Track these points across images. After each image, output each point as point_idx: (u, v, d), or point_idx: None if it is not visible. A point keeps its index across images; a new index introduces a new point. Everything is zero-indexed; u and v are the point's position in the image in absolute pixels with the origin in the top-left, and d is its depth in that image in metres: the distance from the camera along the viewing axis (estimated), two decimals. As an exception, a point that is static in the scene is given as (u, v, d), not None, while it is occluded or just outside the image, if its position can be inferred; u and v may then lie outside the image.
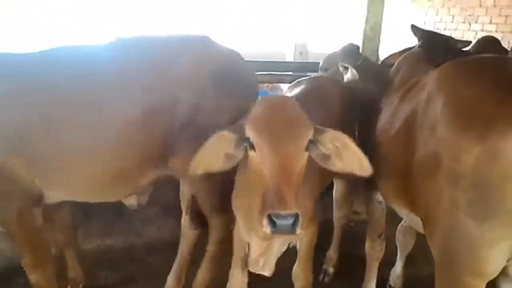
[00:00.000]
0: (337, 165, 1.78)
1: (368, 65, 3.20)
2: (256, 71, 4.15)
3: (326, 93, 2.64)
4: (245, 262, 2.30)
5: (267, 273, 2.20)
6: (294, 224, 1.57)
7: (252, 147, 1.71)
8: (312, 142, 1.74)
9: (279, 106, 1.76)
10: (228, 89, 2.27)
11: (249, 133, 1.71)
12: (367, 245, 2.84)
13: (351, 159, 1.76)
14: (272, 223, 1.57)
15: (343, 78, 3.13)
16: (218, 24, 10.42)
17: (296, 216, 1.57)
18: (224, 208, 2.32)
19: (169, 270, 2.84)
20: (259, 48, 9.56)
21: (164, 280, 2.81)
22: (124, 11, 8.97)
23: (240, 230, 2.19)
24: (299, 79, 2.92)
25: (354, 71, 3.02)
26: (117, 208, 3.27)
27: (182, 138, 2.22)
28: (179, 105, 2.20)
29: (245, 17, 10.91)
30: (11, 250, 3.10)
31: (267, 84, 6.82)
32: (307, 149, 1.72)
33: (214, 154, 1.78)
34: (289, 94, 2.65)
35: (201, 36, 2.44)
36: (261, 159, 1.68)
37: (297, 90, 2.63)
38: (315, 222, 2.22)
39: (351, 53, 3.36)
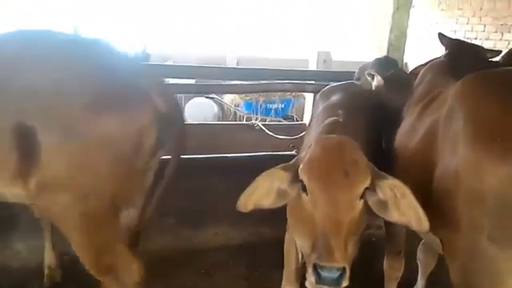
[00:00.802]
0: (393, 215, 1.71)
1: (398, 76, 3.11)
2: (280, 79, 4.16)
3: (359, 101, 2.60)
4: (298, 275, 2.25)
5: None
6: (340, 277, 1.52)
7: (305, 190, 1.67)
8: (369, 189, 1.68)
9: (337, 149, 1.69)
10: None
11: (303, 176, 1.67)
12: (386, 262, 2.73)
13: (408, 210, 1.68)
14: (318, 274, 1.53)
15: (371, 87, 3.07)
16: (243, 31, 10.47)
17: (343, 270, 1.52)
18: None
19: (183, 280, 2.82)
20: (282, 55, 9.54)
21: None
22: (124, 11, 9.04)
23: (293, 242, 2.16)
24: (330, 86, 2.91)
25: (380, 78, 2.97)
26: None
27: None
28: None
29: (269, 22, 10.91)
30: (27, 250, 3.15)
31: (290, 93, 6.81)
32: (362, 196, 1.66)
33: (265, 190, 1.75)
34: (323, 103, 2.60)
35: None
36: (312, 205, 1.64)
37: (334, 99, 2.58)
38: None
39: (383, 63, 3.28)
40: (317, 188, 1.62)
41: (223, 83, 4.93)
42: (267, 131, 4.59)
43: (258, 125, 4.88)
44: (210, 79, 4.87)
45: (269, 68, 4.23)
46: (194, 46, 9.29)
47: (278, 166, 1.75)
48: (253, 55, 9.16)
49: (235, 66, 7.94)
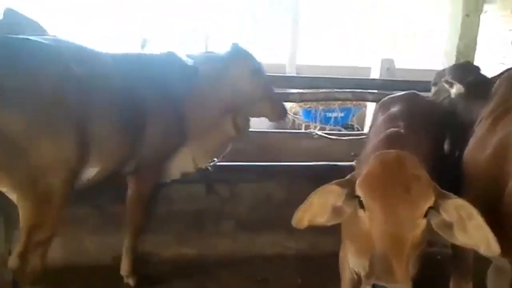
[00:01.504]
0: (459, 238, 1.62)
1: (479, 83, 2.80)
2: (340, 88, 4.11)
3: (422, 112, 2.50)
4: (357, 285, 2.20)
5: None
6: None
7: (362, 206, 1.61)
8: (433, 208, 1.59)
9: (397, 165, 1.60)
10: None
11: (360, 191, 1.61)
12: (452, 286, 2.57)
13: (476, 233, 1.57)
14: None
15: (449, 95, 2.89)
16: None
17: None
18: None
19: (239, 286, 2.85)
20: (343, 62, 9.40)
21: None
22: (124, 11, 9.20)
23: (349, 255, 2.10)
24: (390, 96, 2.81)
25: (459, 85, 2.78)
26: (194, 218, 3.38)
27: None
28: None
29: (330, 29, 10.79)
30: (96, 248, 3.32)
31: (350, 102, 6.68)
32: (426, 215, 1.57)
33: (320, 207, 1.71)
34: (383, 113, 2.54)
35: None
36: (370, 222, 1.58)
37: (394, 110, 2.49)
38: None
39: (462, 69, 3.01)
40: (376, 204, 1.55)
41: (282, 91, 4.95)
42: (329, 137, 4.55)
43: (317, 134, 4.84)
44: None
45: (329, 76, 4.19)
46: (254, 53, 9.41)
47: (334, 182, 1.71)
48: (312, 63, 9.12)
49: (294, 74, 7.94)
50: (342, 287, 2.32)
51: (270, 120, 3.18)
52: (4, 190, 2.17)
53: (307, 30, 10.05)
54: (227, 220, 3.46)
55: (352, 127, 7.48)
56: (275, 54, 9.43)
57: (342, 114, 7.48)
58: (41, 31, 2.63)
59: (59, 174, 2.17)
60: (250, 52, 3.03)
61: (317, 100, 5.01)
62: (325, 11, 10.93)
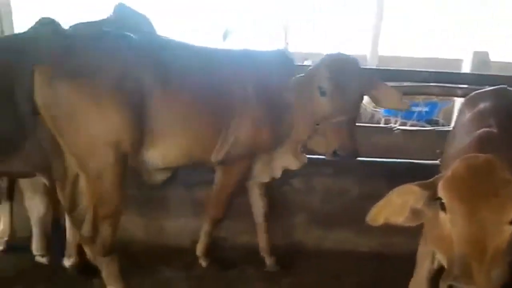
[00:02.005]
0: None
1: None
2: (427, 82, 3.89)
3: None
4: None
5: None
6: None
7: (444, 208, 1.56)
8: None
9: (486, 168, 1.54)
10: None
11: (442, 193, 1.57)
12: None
13: None
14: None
15: None
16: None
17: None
18: None
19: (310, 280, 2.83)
20: (430, 54, 8.86)
21: None
22: (207, 2, 9.11)
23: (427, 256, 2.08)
24: (478, 91, 2.63)
25: None
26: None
27: None
28: None
29: (415, 18, 10.18)
30: (174, 229, 3.50)
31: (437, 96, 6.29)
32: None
33: (398, 206, 1.67)
34: (470, 110, 2.38)
35: None
36: (451, 225, 1.53)
37: (483, 106, 2.33)
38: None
39: None
40: (458, 207, 1.50)
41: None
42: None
43: (398, 128, 4.65)
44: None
45: (416, 69, 3.97)
46: (332, 45, 9.19)
47: (416, 183, 1.66)
48: (396, 54, 8.73)
49: (375, 66, 7.66)
50: (415, 282, 2.23)
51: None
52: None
53: (390, 19, 9.58)
54: (300, 213, 3.46)
55: (437, 123, 7.05)
56: (356, 44, 9.16)
57: (427, 109, 7.08)
58: (149, 25, 2.86)
59: (109, 153, 2.32)
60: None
61: (405, 94, 4.78)
62: (411, -1, 10.35)
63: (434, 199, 1.60)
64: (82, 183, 2.52)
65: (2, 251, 3.10)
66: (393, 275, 2.94)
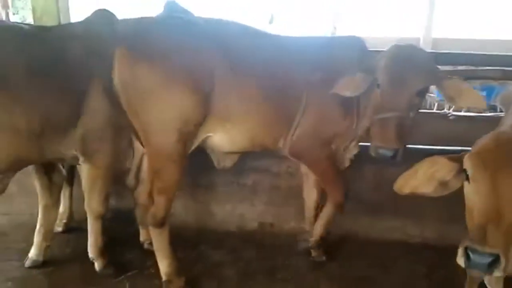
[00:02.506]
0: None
1: None
2: (485, 66, 3.67)
3: None
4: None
5: None
6: (492, 264, 1.48)
7: (468, 179, 1.66)
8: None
9: (509, 143, 1.63)
10: None
11: (467, 165, 1.66)
12: None
13: None
14: (467, 257, 1.53)
15: None
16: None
17: (496, 257, 1.47)
18: None
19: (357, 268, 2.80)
20: (489, 35, 8.33)
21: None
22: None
23: None
24: None
25: None
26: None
27: None
28: None
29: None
30: (221, 214, 3.56)
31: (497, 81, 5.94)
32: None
33: (426, 178, 1.78)
34: None
35: None
36: (474, 195, 1.63)
37: None
38: None
39: None
40: (481, 176, 1.60)
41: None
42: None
43: (452, 114, 4.44)
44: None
45: (472, 52, 3.76)
46: (384, 27, 8.86)
47: (444, 155, 1.75)
48: (450, 36, 8.29)
49: (430, 49, 7.33)
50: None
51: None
52: None
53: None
54: (349, 201, 3.40)
55: (494, 108, 6.67)
56: (409, 27, 8.79)
57: (484, 93, 6.70)
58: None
59: (173, 132, 2.43)
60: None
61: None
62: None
63: (461, 171, 1.69)
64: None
65: (62, 232, 3.28)
66: (448, 267, 2.86)
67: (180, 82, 2.39)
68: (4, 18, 4.33)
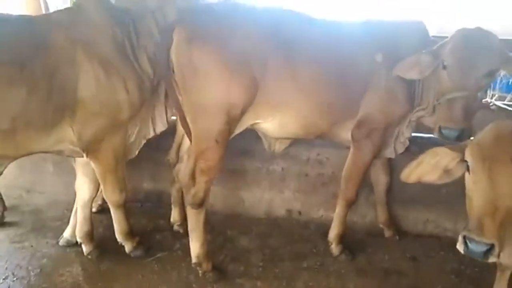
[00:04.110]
0: None
1: None
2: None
3: None
4: None
5: None
6: (487, 253, 1.62)
7: (469, 169, 1.76)
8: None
9: (509, 135, 1.71)
10: None
11: (467, 156, 1.76)
12: None
13: None
14: (465, 244, 1.66)
15: None
16: None
17: (491, 246, 1.61)
18: None
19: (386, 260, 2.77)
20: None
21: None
22: None
23: None
24: None
25: None
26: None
27: None
28: None
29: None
30: (250, 200, 3.56)
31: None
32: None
33: (431, 166, 1.89)
34: None
35: None
36: (472, 186, 1.72)
37: None
38: None
39: None
40: (480, 171, 1.68)
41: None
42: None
43: (495, 104, 4.24)
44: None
45: None
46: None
47: (447, 146, 1.86)
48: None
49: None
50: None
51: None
52: None
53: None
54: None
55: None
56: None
57: (527, 83, 6.33)
58: None
59: (220, 115, 2.46)
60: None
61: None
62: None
63: (463, 161, 1.78)
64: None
65: (96, 212, 3.38)
66: (475, 262, 2.75)
67: (233, 66, 2.43)
68: (42, 2, 4.42)
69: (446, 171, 1.86)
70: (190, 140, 2.68)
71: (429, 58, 2.45)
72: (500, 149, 1.66)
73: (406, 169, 1.92)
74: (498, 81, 6.18)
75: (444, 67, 2.41)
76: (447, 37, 2.49)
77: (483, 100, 5.09)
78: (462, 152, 1.79)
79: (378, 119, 2.68)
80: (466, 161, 1.77)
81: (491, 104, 4.23)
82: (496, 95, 6.24)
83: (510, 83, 6.31)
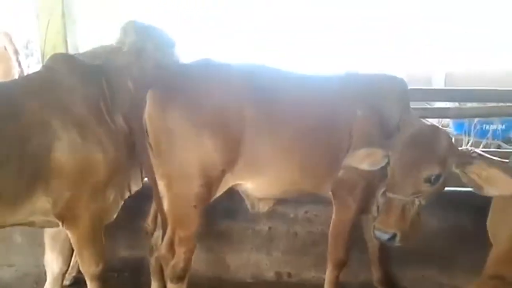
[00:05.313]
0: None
1: None
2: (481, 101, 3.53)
3: None
4: None
5: None
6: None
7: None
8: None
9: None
10: None
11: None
12: None
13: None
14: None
15: None
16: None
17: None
18: None
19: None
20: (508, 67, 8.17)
21: None
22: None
23: None
24: None
25: None
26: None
27: None
28: None
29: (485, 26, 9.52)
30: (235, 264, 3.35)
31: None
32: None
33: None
34: None
35: None
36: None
37: None
38: None
39: None
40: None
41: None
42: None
43: (474, 151, 4.27)
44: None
45: (496, 88, 3.63)
46: (395, 62, 8.80)
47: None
48: (465, 69, 8.18)
49: (442, 83, 7.24)
50: None
51: None
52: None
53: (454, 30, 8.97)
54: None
55: (512, 141, 6.47)
56: (420, 61, 8.73)
57: (503, 127, 6.51)
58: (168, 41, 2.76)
59: (197, 178, 2.36)
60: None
61: (480, 116, 4.41)
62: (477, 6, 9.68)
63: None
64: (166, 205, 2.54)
65: (69, 285, 3.11)
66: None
67: (208, 126, 2.36)
68: (15, 62, 4.34)
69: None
70: (159, 211, 2.57)
71: (380, 152, 2.35)
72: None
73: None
74: (473, 127, 6.38)
75: (389, 163, 2.31)
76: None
77: (463, 148, 5.18)
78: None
79: (358, 174, 2.54)
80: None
81: (471, 151, 4.26)
82: (471, 141, 6.39)
83: (484, 128, 6.51)
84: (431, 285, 3.15)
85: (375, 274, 3.09)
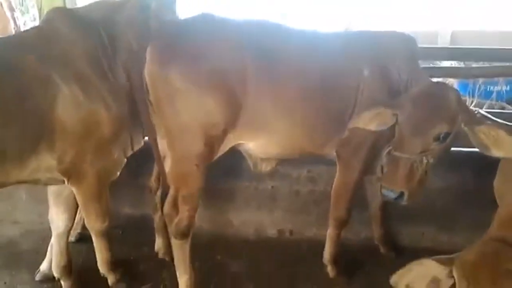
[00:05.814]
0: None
1: None
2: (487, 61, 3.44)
3: None
4: None
5: None
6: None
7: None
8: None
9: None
10: None
11: (454, 273, 1.68)
12: None
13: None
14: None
15: None
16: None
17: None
18: None
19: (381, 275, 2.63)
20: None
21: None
22: None
23: None
24: None
25: None
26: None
27: None
28: None
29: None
30: (238, 222, 3.41)
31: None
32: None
33: (420, 276, 1.74)
34: None
35: None
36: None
37: None
38: None
39: None
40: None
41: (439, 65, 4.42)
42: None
43: (478, 111, 4.23)
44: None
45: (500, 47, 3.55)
46: (401, 20, 8.59)
47: (435, 258, 1.68)
48: (470, 28, 7.99)
49: (448, 42, 7.09)
50: None
51: None
52: None
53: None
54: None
55: (519, 102, 6.41)
56: (426, 19, 8.52)
57: (507, 88, 6.44)
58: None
59: (199, 137, 2.32)
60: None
61: (485, 77, 4.34)
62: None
63: (451, 276, 1.64)
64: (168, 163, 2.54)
65: (74, 242, 3.16)
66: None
67: (210, 84, 2.29)
68: (10, 19, 4.22)
69: (435, 281, 1.70)
70: (160, 170, 2.57)
71: (389, 111, 2.30)
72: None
73: (395, 275, 1.75)
74: (477, 88, 6.31)
75: (397, 122, 2.28)
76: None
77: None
78: (450, 266, 1.66)
79: (363, 135, 2.50)
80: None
81: (475, 111, 4.21)
82: (475, 102, 6.34)
83: (488, 89, 6.43)
84: (431, 243, 3.19)
85: (376, 232, 3.15)
